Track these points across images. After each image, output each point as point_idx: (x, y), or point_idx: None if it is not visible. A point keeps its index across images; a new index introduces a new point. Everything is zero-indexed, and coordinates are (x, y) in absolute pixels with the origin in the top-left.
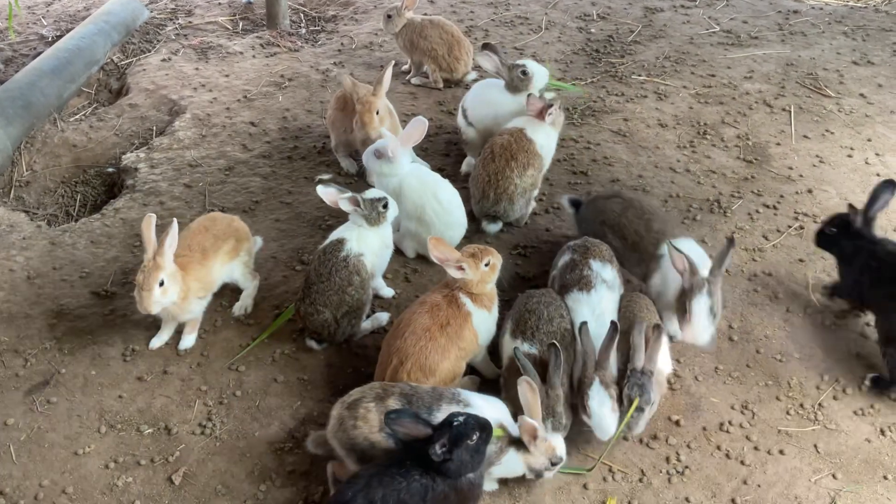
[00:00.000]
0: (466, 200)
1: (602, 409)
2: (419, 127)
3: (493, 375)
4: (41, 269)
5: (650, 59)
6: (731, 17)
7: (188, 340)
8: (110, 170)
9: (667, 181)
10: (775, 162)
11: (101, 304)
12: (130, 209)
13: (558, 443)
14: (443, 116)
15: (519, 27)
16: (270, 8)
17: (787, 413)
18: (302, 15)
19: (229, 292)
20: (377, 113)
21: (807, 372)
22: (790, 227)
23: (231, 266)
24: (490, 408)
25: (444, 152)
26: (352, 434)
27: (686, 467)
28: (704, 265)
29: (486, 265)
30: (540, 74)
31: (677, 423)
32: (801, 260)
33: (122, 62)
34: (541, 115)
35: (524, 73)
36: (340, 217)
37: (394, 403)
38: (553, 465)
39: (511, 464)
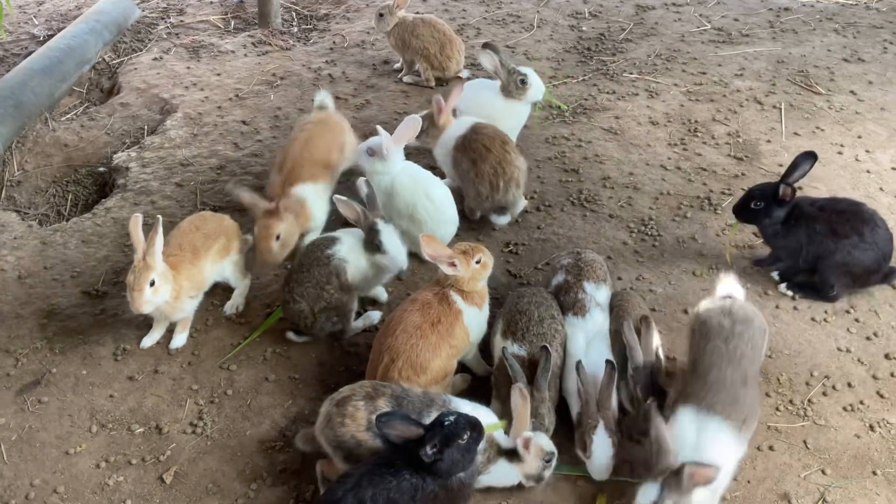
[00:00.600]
0: (459, 200)
1: (603, 456)
2: (412, 125)
3: (484, 373)
4: (32, 268)
5: (642, 57)
6: (723, 15)
7: (179, 339)
8: (102, 169)
9: (658, 178)
10: (766, 159)
11: (92, 304)
12: (122, 208)
13: (543, 440)
14: None
15: (511, 25)
16: (262, 6)
17: (777, 409)
18: (294, 13)
19: (220, 291)
20: (277, 238)
21: (796, 368)
22: None
23: (222, 265)
24: (481, 417)
25: None
26: (339, 431)
27: None
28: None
29: (478, 262)
30: (537, 87)
31: None
32: None
33: (114, 61)
34: None
35: (523, 81)
36: (330, 218)
37: (384, 405)
38: (547, 462)
39: (505, 474)
